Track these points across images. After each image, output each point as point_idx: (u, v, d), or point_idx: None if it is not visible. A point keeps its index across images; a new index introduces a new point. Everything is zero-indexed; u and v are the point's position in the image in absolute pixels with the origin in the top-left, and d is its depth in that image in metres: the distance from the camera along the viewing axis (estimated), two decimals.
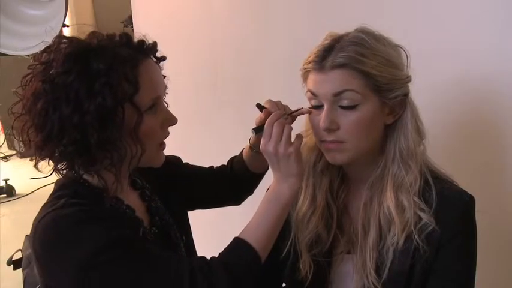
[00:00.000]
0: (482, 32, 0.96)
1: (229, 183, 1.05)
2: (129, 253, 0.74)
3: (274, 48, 1.51)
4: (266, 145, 0.80)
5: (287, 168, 0.80)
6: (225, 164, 1.08)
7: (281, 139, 0.79)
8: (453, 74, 1.02)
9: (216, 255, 0.79)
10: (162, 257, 0.76)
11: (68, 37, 0.78)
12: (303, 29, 1.38)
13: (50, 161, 0.79)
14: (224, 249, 0.80)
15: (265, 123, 0.81)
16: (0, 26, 2.66)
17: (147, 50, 0.81)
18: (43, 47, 0.79)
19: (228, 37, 1.74)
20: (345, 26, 0.82)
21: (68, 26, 2.80)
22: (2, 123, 5.71)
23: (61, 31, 2.66)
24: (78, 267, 0.71)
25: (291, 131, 0.81)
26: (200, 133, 1.98)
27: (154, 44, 0.83)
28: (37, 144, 0.77)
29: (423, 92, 0.85)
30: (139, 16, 2.38)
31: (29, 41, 2.72)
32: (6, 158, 5.52)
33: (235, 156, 1.06)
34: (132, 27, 2.52)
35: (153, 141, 0.81)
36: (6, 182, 4.29)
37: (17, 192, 4.27)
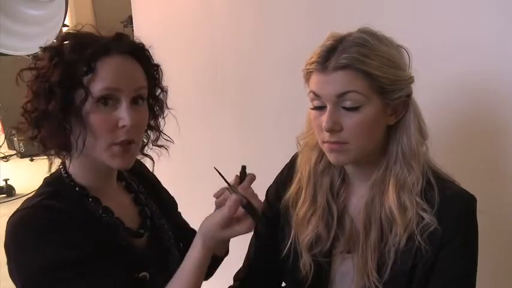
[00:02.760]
0: (482, 32, 0.96)
1: None
2: (73, 277, 0.74)
3: (274, 48, 1.51)
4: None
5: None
6: None
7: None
8: (454, 74, 1.02)
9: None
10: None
11: (73, 32, 0.84)
12: (303, 28, 1.38)
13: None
14: None
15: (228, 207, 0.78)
16: (0, 26, 2.65)
17: (120, 46, 0.81)
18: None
19: (228, 37, 1.74)
20: (345, 25, 0.82)
21: (67, 26, 2.80)
22: (2, 123, 5.71)
23: (61, 31, 2.66)
24: (25, 276, 0.75)
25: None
26: (200, 133, 1.98)
27: (137, 45, 0.84)
28: (21, 114, 0.82)
29: (424, 92, 0.85)
30: (139, 16, 2.38)
31: (29, 41, 2.72)
32: (6, 158, 5.52)
33: None
34: (132, 27, 2.52)
35: (100, 134, 0.79)
36: (6, 182, 4.29)
37: (17, 192, 4.27)
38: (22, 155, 5.39)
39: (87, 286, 0.75)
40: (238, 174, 0.84)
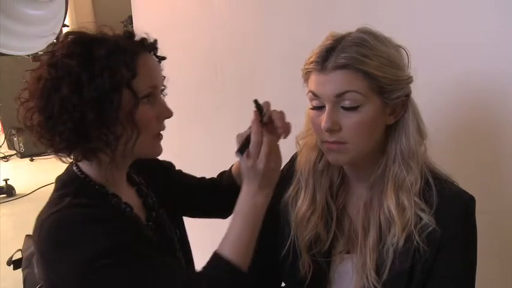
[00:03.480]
0: (482, 32, 0.96)
1: (218, 196, 1.06)
2: (127, 259, 0.76)
3: (274, 47, 1.51)
4: (256, 162, 0.79)
5: (269, 181, 0.81)
6: (215, 176, 1.10)
7: (270, 156, 0.79)
8: (453, 74, 1.02)
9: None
10: (157, 265, 0.78)
11: (76, 31, 0.82)
12: (302, 28, 1.38)
13: (49, 143, 0.81)
14: (206, 266, 0.81)
15: (251, 144, 0.80)
16: (0, 26, 2.65)
17: (147, 45, 0.85)
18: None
19: (228, 37, 1.74)
20: (344, 25, 0.82)
21: (68, 26, 2.80)
22: (2, 123, 5.71)
23: (61, 31, 2.66)
24: (79, 269, 0.74)
25: (276, 145, 0.81)
26: (200, 133, 1.98)
27: (154, 41, 0.87)
28: (37, 125, 0.80)
29: (423, 92, 0.85)
30: (139, 16, 2.38)
31: (29, 41, 2.72)
32: (6, 158, 5.52)
33: (225, 171, 1.08)
34: (132, 27, 2.52)
35: (148, 130, 0.83)
36: (6, 182, 4.29)
37: (17, 192, 4.27)
38: (22, 155, 5.39)
39: (142, 267, 0.76)
40: (255, 109, 0.83)
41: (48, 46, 0.80)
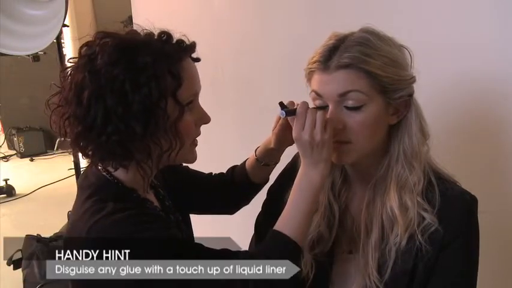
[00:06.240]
0: (484, 32, 0.96)
1: (228, 191, 1.05)
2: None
3: (276, 47, 1.51)
4: (301, 134, 0.79)
5: (319, 155, 0.79)
6: (223, 172, 1.09)
7: (315, 126, 0.78)
8: (455, 74, 1.02)
9: None
10: (211, 252, 0.77)
11: (111, 33, 0.78)
12: (304, 28, 1.38)
13: (84, 153, 0.79)
14: (264, 243, 0.80)
15: (298, 111, 0.80)
16: (0, 26, 2.65)
17: (187, 49, 0.82)
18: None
19: (228, 37, 1.74)
20: (347, 25, 0.82)
21: (68, 26, 2.79)
22: (2, 123, 5.71)
23: (61, 31, 2.65)
24: None
25: (324, 117, 0.79)
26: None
27: (193, 44, 0.84)
28: (77, 134, 0.76)
29: (425, 91, 0.85)
30: (139, 16, 2.38)
31: (29, 41, 2.71)
32: (6, 158, 5.51)
33: (236, 165, 1.07)
34: (132, 27, 2.51)
35: (189, 138, 0.82)
36: (6, 182, 4.28)
37: (17, 192, 4.27)
38: (22, 155, 5.39)
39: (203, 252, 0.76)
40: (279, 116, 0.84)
41: (80, 48, 0.72)
